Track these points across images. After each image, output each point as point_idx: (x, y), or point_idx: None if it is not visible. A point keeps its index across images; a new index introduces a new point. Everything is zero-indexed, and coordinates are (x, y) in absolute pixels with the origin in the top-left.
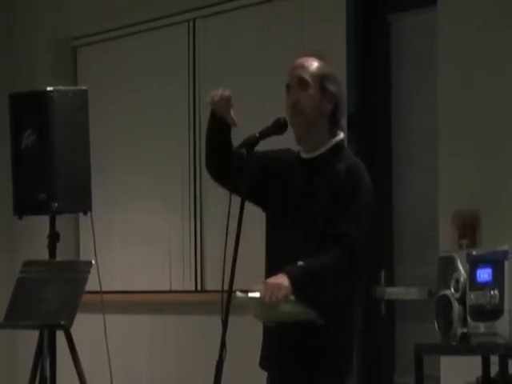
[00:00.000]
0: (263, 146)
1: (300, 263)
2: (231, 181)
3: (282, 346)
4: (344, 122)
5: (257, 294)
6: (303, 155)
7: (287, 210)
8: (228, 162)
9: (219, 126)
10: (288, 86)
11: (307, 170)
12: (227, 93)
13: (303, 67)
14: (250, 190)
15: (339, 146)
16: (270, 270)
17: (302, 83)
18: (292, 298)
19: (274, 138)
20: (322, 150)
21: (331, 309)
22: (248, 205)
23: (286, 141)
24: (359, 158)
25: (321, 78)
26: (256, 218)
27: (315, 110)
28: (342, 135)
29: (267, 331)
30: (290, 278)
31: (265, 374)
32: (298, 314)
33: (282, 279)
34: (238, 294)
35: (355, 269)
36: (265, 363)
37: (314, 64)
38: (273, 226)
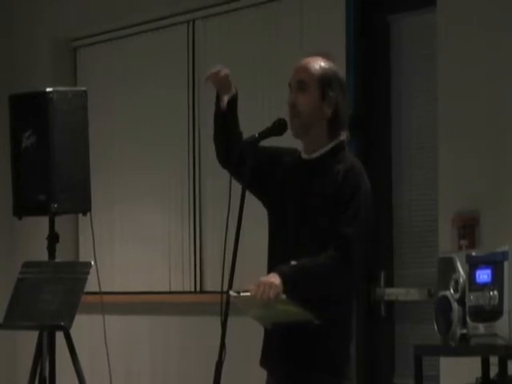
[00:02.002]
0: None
1: (293, 262)
2: (234, 167)
3: (282, 345)
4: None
5: (248, 293)
6: (303, 156)
7: (288, 210)
8: (233, 144)
9: (223, 111)
10: (290, 85)
11: (307, 170)
12: (225, 71)
13: (306, 69)
14: (252, 181)
15: (339, 147)
16: (272, 269)
17: (302, 85)
18: (283, 296)
19: (274, 137)
20: (322, 151)
21: (327, 309)
22: (248, 206)
23: (286, 141)
24: (359, 158)
25: (323, 81)
26: (256, 219)
27: (313, 114)
28: (341, 137)
29: (267, 332)
30: (282, 276)
31: (264, 374)
32: (293, 315)
33: (273, 278)
34: (232, 293)
35: (350, 269)
36: (265, 362)
37: (317, 66)
38: (274, 226)
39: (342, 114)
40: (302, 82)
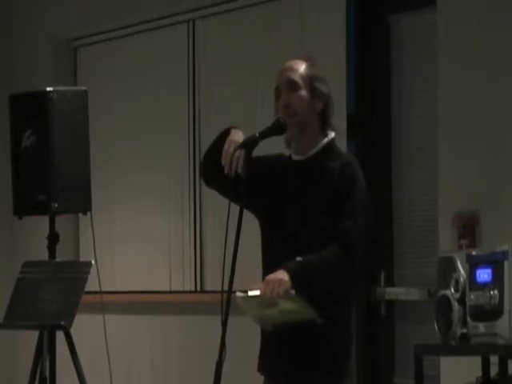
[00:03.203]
0: (263, 147)
1: (298, 259)
2: (231, 189)
3: (284, 345)
4: (341, 121)
5: (257, 292)
6: (295, 157)
7: (286, 213)
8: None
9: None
10: (277, 89)
11: (301, 171)
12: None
13: (292, 69)
14: (248, 199)
15: (330, 145)
16: (270, 271)
17: (292, 85)
18: (292, 292)
19: (273, 138)
20: (314, 151)
21: (329, 308)
22: None
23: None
24: (359, 159)
25: (310, 78)
26: (256, 219)
27: (307, 110)
28: (332, 134)
29: (265, 336)
30: (290, 273)
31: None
32: (297, 313)
33: (281, 275)
34: (238, 293)
35: (353, 265)
36: (263, 366)
37: (302, 66)
38: (271, 230)
39: (330, 108)
40: (292, 81)
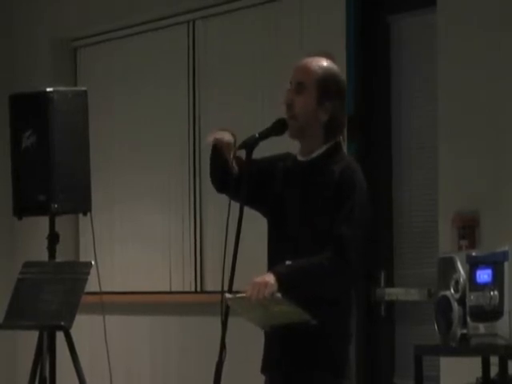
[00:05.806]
0: (263, 147)
1: (288, 262)
2: (232, 189)
3: (284, 346)
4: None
5: (243, 294)
6: (299, 158)
7: (288, 213)
8: (231, 176)
9: (220, 159)
10: (291, 83)
11: (304, 172)
12: (228, 138)
13: (306, 70)
14: (249, 197)
15: (335, 148)
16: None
17: (300, 88)
18: (279, 295)
19: (274, 138)
20: (318, 152)
21: (325, 309)
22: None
23: (284, 142)
24: (359, 159)
25: (321, 86)
26: (256, 219)
27: (308, 117)
28: (338, 138)
29: (267, 336)
30: (277, 275)
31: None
32: (290, 315)
33: (268, 277)
34: (227, 295)
35: (348, 269)
36: (266, 367)
37: (317, 69)
38: (274, 229)
39: (338, 119)
40: (301, 84)
